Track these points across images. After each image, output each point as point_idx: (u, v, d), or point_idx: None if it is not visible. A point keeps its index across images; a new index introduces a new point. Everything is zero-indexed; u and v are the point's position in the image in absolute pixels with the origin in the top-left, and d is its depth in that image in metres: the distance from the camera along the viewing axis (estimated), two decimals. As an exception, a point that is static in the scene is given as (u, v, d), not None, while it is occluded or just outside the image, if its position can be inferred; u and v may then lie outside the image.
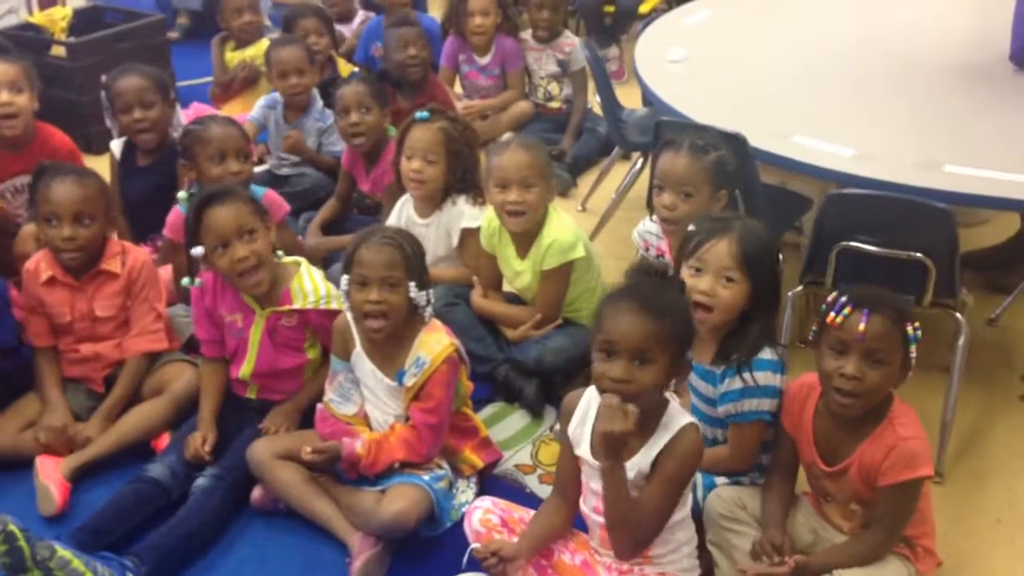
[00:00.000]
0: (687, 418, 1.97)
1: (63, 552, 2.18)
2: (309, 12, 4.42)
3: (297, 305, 2.62)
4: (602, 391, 1.92)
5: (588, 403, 2.07)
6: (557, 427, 2.79)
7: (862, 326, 1.97)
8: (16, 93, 3.36)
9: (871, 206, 2.58)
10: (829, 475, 2.12)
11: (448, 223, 3.13)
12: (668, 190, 2.65)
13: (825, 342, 2.04)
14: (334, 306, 2.62)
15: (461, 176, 3.08)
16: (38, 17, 4.92)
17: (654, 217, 2.78)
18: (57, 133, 3.56)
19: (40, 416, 2.71)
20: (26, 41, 4.55)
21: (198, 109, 4.59)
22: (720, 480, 2.28)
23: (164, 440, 2.70)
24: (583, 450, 2.04)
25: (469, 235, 3.10)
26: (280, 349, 2.66)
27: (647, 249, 2.88)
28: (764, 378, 2.21)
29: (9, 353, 2.81)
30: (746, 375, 2.20)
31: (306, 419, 2.65)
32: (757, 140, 2.83)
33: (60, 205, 2.71)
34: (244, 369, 2.68)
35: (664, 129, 2.97)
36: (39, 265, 2.81)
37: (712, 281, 2.22)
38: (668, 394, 2.01)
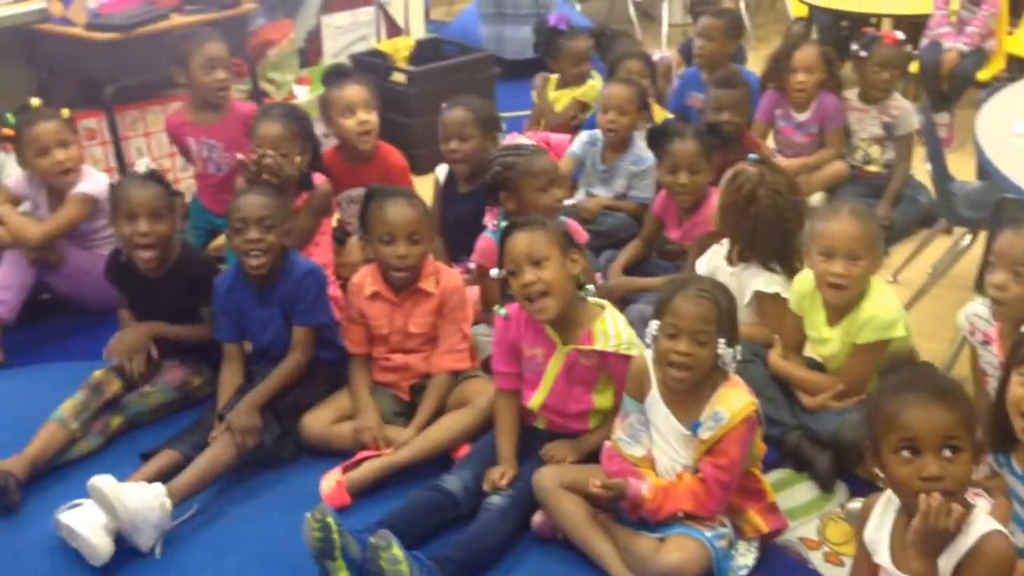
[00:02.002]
0: (991, 524, 1.80)
1: (397, 550, 2.27)
2: (633, 56, 4.49)
3: (598, 347, 2.61)
4: (912, 492, 1.79)
5: (885, 507, 1.94)
6: (849, 506, 2.65)
7: None
8: (370, 112, 3.67)
9: None
10: None
11: (744, 281, 3.06)
12: (1002, 268, 2.47)
13: None
14: (634, 352, 2.60)
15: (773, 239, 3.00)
16: (384, 45, 5.33)
17: (985, 300, 2.59)
18: (393, 151, 3.83)
19: (355, 417, 2.90)
20: (371, 66, 4.96)
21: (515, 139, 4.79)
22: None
23: (464, 450, 2.81)
24: (882, 558, 1.91)
25: (763, 299, 3.01)
26: (574, 386, 2.68)
27: (972, 333, 2.68)
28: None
29: (328, 345, 3.04)
30: None
31: (590, 457, 2.66)
32: (1119, 229, 2.55)
33: (396, 226, 2.89)
34: (535, 399, 2.72)
35: (1007, 207, 2.77)
36: (364, 280, 3.01)
37: None
38: (978, 498, 1.85)
